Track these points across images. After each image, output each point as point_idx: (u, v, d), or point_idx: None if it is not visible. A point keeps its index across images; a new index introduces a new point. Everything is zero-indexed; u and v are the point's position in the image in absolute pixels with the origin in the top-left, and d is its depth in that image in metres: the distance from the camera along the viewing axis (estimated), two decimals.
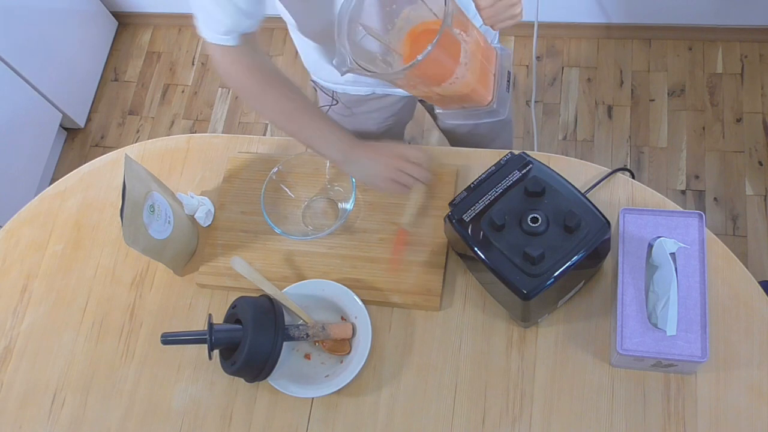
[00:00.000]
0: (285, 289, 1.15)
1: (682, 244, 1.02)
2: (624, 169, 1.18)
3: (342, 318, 1.16)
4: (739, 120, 2.15)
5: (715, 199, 2.06)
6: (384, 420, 1.09)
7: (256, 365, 1.06)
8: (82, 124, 2.55)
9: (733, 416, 1.02)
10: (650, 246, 1.03)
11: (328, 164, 1.22)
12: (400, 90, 1.31)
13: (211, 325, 1.05)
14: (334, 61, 0.97)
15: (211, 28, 1.04)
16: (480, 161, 1.24)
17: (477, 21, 1.03)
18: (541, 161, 1.06)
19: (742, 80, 2.21)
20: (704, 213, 1.06)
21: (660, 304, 0.98)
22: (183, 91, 2.56)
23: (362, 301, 1.13)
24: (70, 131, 2.58)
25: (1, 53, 2.19)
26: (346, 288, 1.14)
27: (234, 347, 1.07)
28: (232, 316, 1.10)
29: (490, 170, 1.06)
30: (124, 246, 1.28)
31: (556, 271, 0.97)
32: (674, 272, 0.99)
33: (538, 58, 2.35)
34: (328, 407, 1.11)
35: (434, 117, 1.50)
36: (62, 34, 2.45)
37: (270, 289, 1.14)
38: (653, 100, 2.22)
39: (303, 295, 1.15)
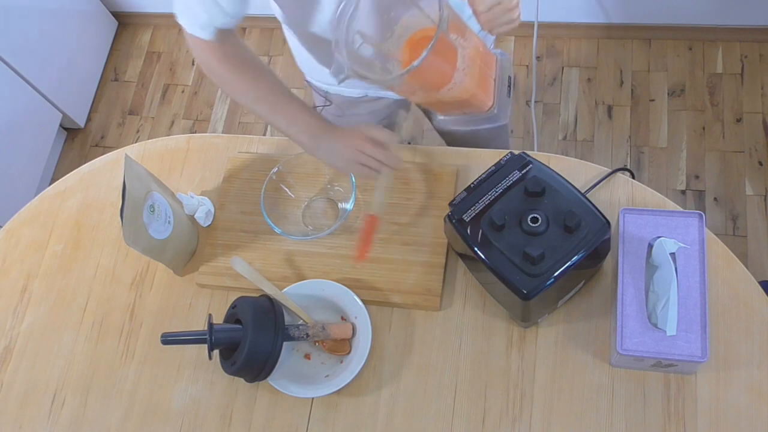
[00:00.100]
0: (285, 289, 1.15)
1: (682, 244, 1.02)
2: (624, 169, 1.18)
3: (342, 318, 1.16)
4: (739, 120, 2.15)
5: (715, 199, 2.06)
6: (384, 420, 1.09)
7: (256, 365, 1.06)
8: (82, 124, 2.55)
9: (733, 416, 1.02)
10: (650, 246, 1.03)
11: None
12: (392, 93, 1.31)
13: (211, 325, 1.05)
14: (331, 69, 0.97)
15: (189, 20, 1.05)
16: (480, 161, 1.24)
17: (475, 26, 1.03)
18: (541, 161, 1.06)
19: (742, 80, 2.21)
20: (704, 213, 1.06)
21: (660, 304, 0.98)
22: (183, 91, 2.56)
23: (362, 301, 1.13)
24: (70, 131, 2.58)
25: (1, 53, 2.19)
26: (346, 288, 1.14)
27: (234, 347, 1.07)
28: (232, 316, 1.10)
29: (490, 170, 1.06)
30: (124, 246, 1.28)
31: (556, 271, 0.97)
32: (674, 272, 0.99)
33: (538, 58, 2.35)
34: (328, 407, 1.11)
35: (430, 119, 1.50)
36: (62, 34, 2.45)
37: (270, 289, 1.14)
38: (653, 100, 2.22)
39: (303, 295, 1.15)
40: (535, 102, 2.28)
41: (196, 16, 1.03)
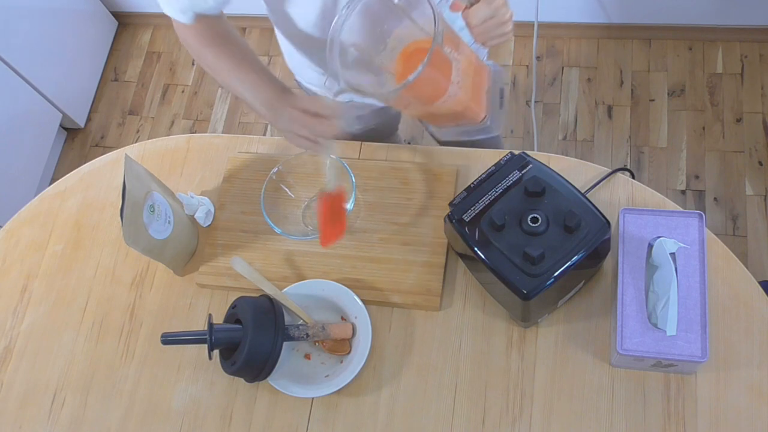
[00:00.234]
0: (285, 289, 1.15)
1: (682, 244, 1.02)
2: (624, 169, 1.18)
3: (342, 318, 1.16)
4: (739, 120, 2.15)
5: (715, 199, 2.06)
6: (384, 420, 1.09)
7: (256, 365, 1.06)
8: (82, 124, 2.55)
9: (733, 416, 1.02)
10: (650, 246, 1.03)
11: (328, 164, 1.22)
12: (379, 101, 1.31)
13: (211, 325, 1.05)
14: (325, 82, 0.98)
15: (168, 4, 1.05)
16: (480, 161, 1.24)
17: (467, 38, 1.03)
18: (541, 161, 1.06)
19: (742, 80, 2.21)
20: (704, 213, 1.06)
21: (660, 304, 0.98)
22: (183, 91, 2.56)
23: (362, 301, 1.13)
24: (70, 131, 2.58)
25: (1, 53, 2.19)
26: (346, 288, 1.14)
27: (234, 347, 1.07)
28: (232, 316, 1.10)
29: (490, 170, 1.06)
30: (124, 246, 1.28)
31: (556, 271, 0.97)
32: (674, 272, 0.99)
33: (538, 58, 2.35)
34: (328, 407, 1.11)
35: (425, 127, 1.50)
36: (62, 34, 2.45)
37: (270, 289, 1.14)
38: (653, 100, 2.22)
39: (303, 295, 1.15)
40: (535, 102, 2.28)
41: (178, 0, 1.04)
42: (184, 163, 1.35)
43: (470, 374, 1.10)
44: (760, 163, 2.09)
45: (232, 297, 1.18)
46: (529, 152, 1.08)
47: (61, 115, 2.46)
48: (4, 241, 1.34)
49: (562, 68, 2.33)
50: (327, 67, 0.98)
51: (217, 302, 1.22)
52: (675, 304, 0.98)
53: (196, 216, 1.25)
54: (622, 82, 2.27)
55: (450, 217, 1.04)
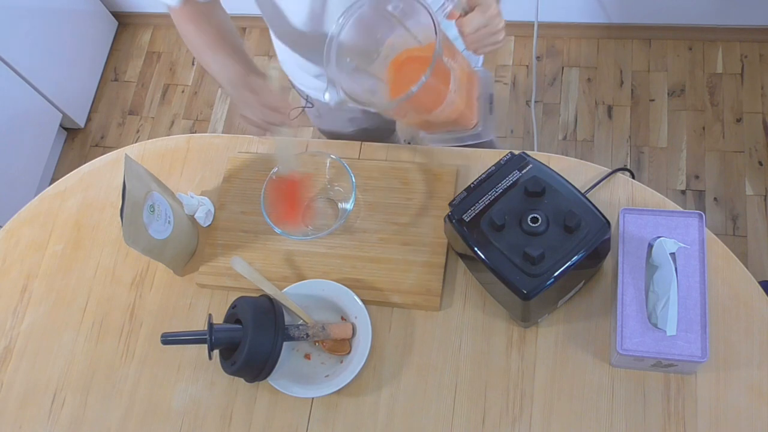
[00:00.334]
0: (285, 289, 1.15)
1: (682, 244, 1.02)
2: (624, 169, 1.18)
3: (342, 318, 1.16)
4: (739, 120, 2.15)
5: (715, 199, 2.06)
6: (384, 420, 1.09)
7: (256, 365, 1.06)
8: (82, 124, 2.55)
9: (733, 416, 1.02)
10: (650, 246, 1.03)
11: (327, 164, 1.22)
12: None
13: (211, 325, 1.05)
14: (325, 95, 0.98)
15: None
16: (480, 161, 1.24)
17: (459, 45, 1.03)
18: (541, 161, 1.06)
19: (742, 80, 2.21)
20: (704, 213, 1.06)
21: (660, 304, 0.98)
22: (183, 91, 2.56)
23: (362, 301, 1.13)
24: (70, 131, 2.58)
25: (1, 53, 2.19)
26: (346, 288, 1.14)
27: (234, 347, 1.07)
28: (232, 316, 1.10)
29: (489, 170, 1.06)
30: (124, 246, 1.28)
31: (556, 271, 0.97)
32: (674, 272, 0.99)
33: (538, 58, 2.35)
34: (328, 407, 1.11)
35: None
36: (62, 34, 2.45)
37: (270, 289, 1.14)
38: (653, 100, 2.22)
39: (303, 295, 1.15)
40: (535, 102, 2.28)
41: None
42: (184, 163, 1.35)
43: (470, 374, 1.10)
44: (760, 163, 2.09)
45: (232, 297, 1.18)
46: (529, 152, 1.08)
47: (61, 115, 2.46)
48: (4, 241, 1.34)
49: (562, 68, 2.33)
50: (326, 77, 0.99)
51: (217, 302, 1.22)
52: (675, 304, 0.98)
53: (196, 216, 1.25)
54: (622, 82, 2.27)
55: (450, 217, 1.04)
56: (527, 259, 0.97)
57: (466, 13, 0.96)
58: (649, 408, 1.04)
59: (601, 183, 1.18)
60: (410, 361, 1.12)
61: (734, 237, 2.00)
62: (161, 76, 2.61)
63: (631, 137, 2.18)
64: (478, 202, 1.03)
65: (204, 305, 1.22)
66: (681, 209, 1.09)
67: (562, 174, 1.04)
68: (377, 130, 1.52)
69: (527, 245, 0.98)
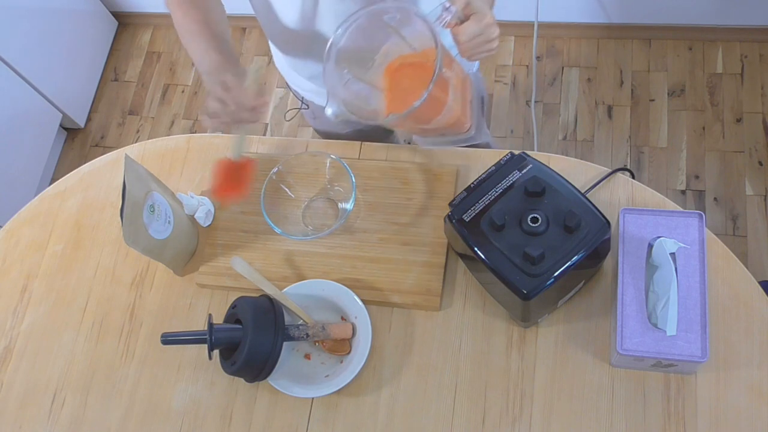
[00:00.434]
0: (285, 289, 1.15)
1: (682, 244, 1.02)
2: (624, 169, 1.18)
3: (342, 318, 1.16)
4: (739, 120, 2.15)
5: (715, 199, 2.06)
6: (384, 420, 1.09)
7: (256, 365, 1.06)
8: (82, 124, 2.55)
9: (733, 416, 1.02)
10: (650, 246, 1.03)
11: (327, 164, 1.22)
12: None
13: (211, 325, 1.05)
14: (326, 110, 0.98)
15: None
16: (480, 161, 1.24)
17: (452, 50, 1.04)
18: (541, 161, 1.06)
19: (742, 80, 2.21)
20: (704, 213, 1.06)
21: (660, 304, 0.98)
22: (183, 91, 2.56)
23: (362, 301, 1.13)
24: (70, 131, 2.58)
25: (1, 53, 2.19)
26: (346, 288, 1.14)
27: (234, 347, 1.07)
28: (232, 316, 1.10)
29: (490, 170, 1.06)
30: (124, 246, 1.28)
31: (556, 271, 0.97)
32: (674, 272, 0.99)
33: (538, 58, 2.35)
34: (328, 407, 1.11)
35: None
36: (62, 34, 2.45)
37: (270, 289, 1.14)
38: (653, 100, 2.22)
39: (303, 295, 1.15)
40: (535, 102, 2.28)
41: None
42: (184, 163, 1.35)
43: (470, 374, 1.10)
44: (760, 163, 2.09)
45: (232, 297, 1.18)
46: (529, 152, 1.08)
47: (61, 115, 2.46)
48: (4, 241, 1.34)
49: (562, 68, 2.33)
50: (326, 91, 1.00)
51: (217, 302, 1.22)
52: (675, 304, 0.98)
53: (196, 216, 1.25)
54: (622, 82, 2.27)
55: (450, 217, 1.04)
56: (527, 259, 0.97)
57: (462, 22, 0.96)
58: (649, 408, 1.04)
59: (601, 183, 1.18)
60: (410, 361, 1.12)
61: (734, 237, 2.00)
62: (161, 76, 2.61)
63: (631, 137, 2.18)
64: (478, 202, 1.03)
65: (204, 305, 1.22)
66: (681, 209, 1.09)
67: (562, 174, 1.04)
68: (374, 131, 1.53)
69: (527, 245, 0.98)
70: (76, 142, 2.55)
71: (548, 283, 0.97)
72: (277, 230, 1.17)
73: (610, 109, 2.24)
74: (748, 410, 1.02)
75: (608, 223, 1.00)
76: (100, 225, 1.32)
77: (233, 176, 1.13)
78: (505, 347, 1.11)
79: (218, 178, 1.13)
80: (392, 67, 1.02)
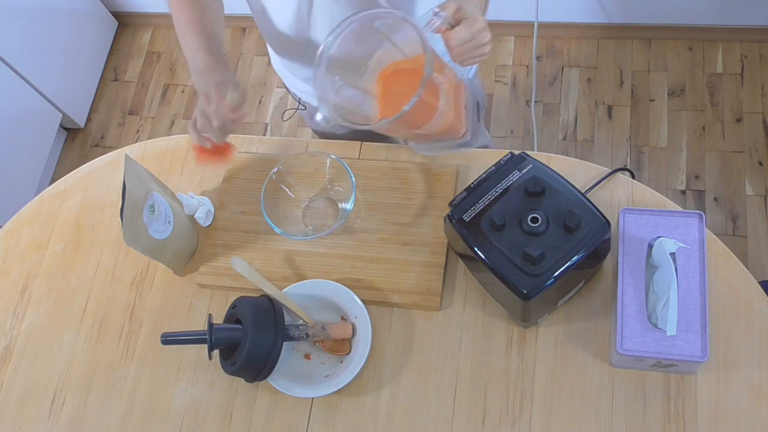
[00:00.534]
0: (285, 289, 1.15)
1: (682, 244, 1.02)
2: (624, 169, 1.18)
3: (342, 318, 1.16)
4: (739, 120, 2.15)
5: (715, 199, 2.06)
6: (384, 420, 1.09)
7: (256, 365, 1.06)
8: (82, 124, 2.55)
9: (733, 416, 1.02)
10: (650, 246, 1.03)
11: (327, 164, 1.22)
12: None
13: (211, 325, 1.05)
14: (318, 116, 0.98)
15: None
16: (480, 161, 1.24)
17: (445, 56, 1.04)
18: (541, 161, 1.06)
19: (742, 80, 2.21)
20: (704, 213, 1.06)
21: (660, 304, 0.98)
22: (183, 91, 2.56)
23: (362, 301, 1.13)
24: (70, 131, 2.58)
25: (1, 53, 2.19)
26: (346, 288, 1.14)
27: (234, 347, 1.07)
28: (232, 316, 1.10)
29: (490, 170, 1.06)
30: (124, 246, 1.28)
31: (556, 271, 0.97)
32: (674, 272, 0.99)
33: (538, 58, 2.35)
34: (328, 407, 1.11)
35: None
36: (62, 34, 2.45)
37: (270, 289, 1.14)
38: (653, 100, 2.22)
39: (303, 295, 1.15)
40: (535, 102, 2.28)
41: None
42: (184, 163, 1.35)
43: (470, 374, 1.10)
44: (760, 163, 2.09)
45: (232, 297, 1.18)
46: (529, 152, 1.08)
47: (61, 115, 2.46)
48: (4, 241, 1.34)
49: (562, 68, 2.33)
50: (317, 97, 1.00)
51: (217, 302, 1.22)
52: (675, 304, 0.98)
53: (196, 216, 1.25)
54: (622, 82, 2.27)
55: (450, 217, 1.04)
56: (527, 259, 0.97)
57: (453, 27, 0.96)
58: (649, 408, 1.04)
59: (601, 183, 1.18)
60: (410, 361, 1.12)
61: (734, 237, 2.00)
62: (161, 76, 2.61)
63: (631, 137, 2.18)
64: (478, 202, 1.03)
65: (204, 305, 1.22)
66: (681, 209, 1.09)
67: (562, 174, 1.04)
68: (372, 131, 1.53)
69: (527, 245, 0.98)
70: (76, 142, 2.55)
71: (548, 283, 0.97)
72: (277, 230, 1.17)
73: (610, 109, 2.24)
74: (748, 410, 1.02)
75: (608, 223, 1.00)
76: (100, 225, 1.32)
77: (217, 149, 1.14)
78: (505, 347, 1.11)
79: (199, 150, 1.14)
80: (385, 74, 1.02)
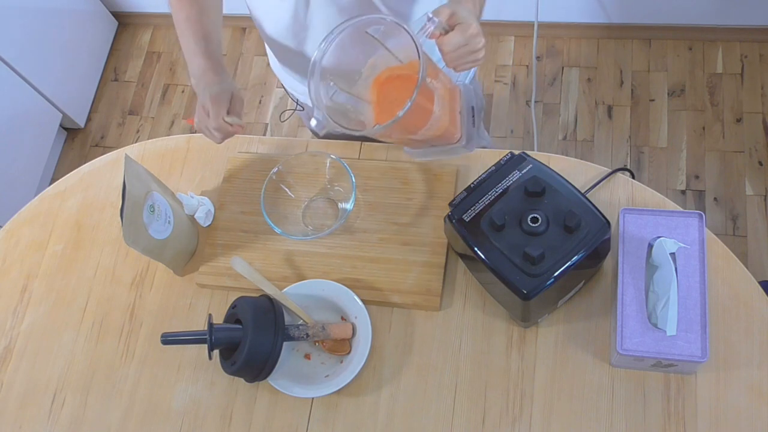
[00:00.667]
0: (285, 289, 1.15)
1: (682, 244, 1.02)
2: (624, 169, 1.18)
3: (342, 318, 1.16)
4: (739, 120, 2.15)
5: (715, 199, 2.06)
6: (384, 420, 1.09)
7: (256, 365, 1.06)
8: (82, 124, 2.55)
9: (733, 416, 1.02)
10: (650, 246, 1.03)
11: (327, 164, 1.22)
12: None
13: (211, 325, 1.05)
14: (311, 123, 0.99)
15: None
16: (480, 161, 1.24)
17: (440, 62, 1.04)
18: (541, 161, 1.06)
19: (742, 80, 2.21)
20: (704, 213, 1.06)
21: (660, 304, 0.98)
22: (183, 91, 2.56)
23: (362, 301, 1.13)
24: (70, 131, 2.58)
25: (1, 53, 2.19)
26: (346, 288, 1.14)
27: (234, 347, 1.07)
28: (232, 316, 1.10)
29: (490, 170, 1.06)
30: (124, 246, 1.28)
31: (556, 271, 0.97)
32: (674, 272, 0.99)
33: (538, 58, 2.35)
34: (328, 407, 1.11)
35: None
36: (62, 34, 2.45)
37: (270, 289, 1.14)
38: (653, 100, 2.22)
39: (303, 295, 1.15)
40: (535, 102, 2.28)
41: None
42: (184, 163, 1.35)
43: (470, 374, 1.10)
44: (760, 163, 2.09)
45: (232, 297, 1.18)
46: (529, 152, 1.08)
47: (61, 115, 2.46)
48: (4, 241, 1.34)
49: (562, 68, 2.33)
50: (311, 102, 1.00)
51: (217, 302, 1.22)
52: (675, 304, 0.98)
53: (196, 216, 1.25)
54: (622, 82, 2.27)
55: (450, 217, 1.04)
56: (527, 259, 0.97)
57: (447, 32, 0.96)
58: (649, 408, 1.04)
59: (601, 183, 1.18)
60: (410, 361, 1.12)
61: (734, 237, 2.00)
62: (161, 76, 2.61)
63: (631, 137, 2.18)
64: (478, 202, 1.03)
65: (204, 305, 1.22)
66: (681, 209, 1.09)
67: (562, 174, 1.04)
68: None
69: (527, 245, 0.98)
70: (76, 142, 2.55)
71: (548, 283, 0.97)
72: (277, 230, 1.17)
73: (610, 109, 2.24)
74: (748, 410, 1.02)
75: (608, 223, 1.00)
76: (100, 225, 1.32)
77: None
78: (505, 347, 1.11)
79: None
80: (380, 80, 1.02)
